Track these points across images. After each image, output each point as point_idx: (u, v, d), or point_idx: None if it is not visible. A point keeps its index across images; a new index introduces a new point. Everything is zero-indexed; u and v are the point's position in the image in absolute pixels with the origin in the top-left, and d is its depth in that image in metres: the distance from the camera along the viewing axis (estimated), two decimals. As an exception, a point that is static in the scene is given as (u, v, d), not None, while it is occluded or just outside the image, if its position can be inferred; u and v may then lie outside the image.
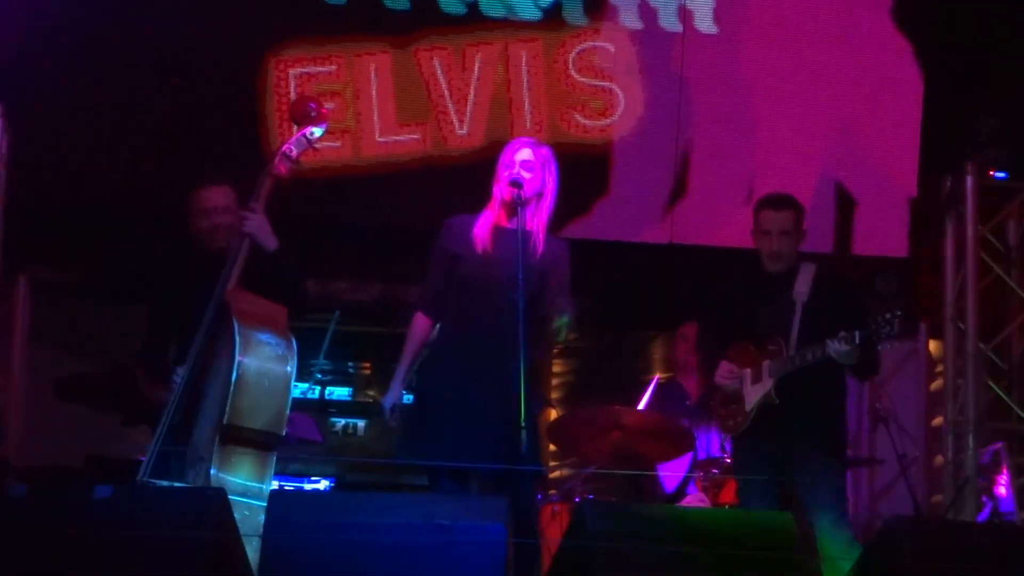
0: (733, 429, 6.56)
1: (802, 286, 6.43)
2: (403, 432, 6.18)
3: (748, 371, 6.46)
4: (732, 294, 6.73)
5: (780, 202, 6.54)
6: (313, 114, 6.37)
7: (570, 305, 6.02)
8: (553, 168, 6.13)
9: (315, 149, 6.41)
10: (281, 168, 6.29)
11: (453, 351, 6.06)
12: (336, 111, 8.22)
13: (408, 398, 6.38)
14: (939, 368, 8.64)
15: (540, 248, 6.05)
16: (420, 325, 6.21)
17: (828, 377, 6.39)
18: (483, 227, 6.12)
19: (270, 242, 6.20)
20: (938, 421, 8.54)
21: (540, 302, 6.01)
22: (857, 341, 6.11)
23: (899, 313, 6.11)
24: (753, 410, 6.42)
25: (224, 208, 6.42)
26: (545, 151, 6.17)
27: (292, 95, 8.38)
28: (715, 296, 6.89)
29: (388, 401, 6.13)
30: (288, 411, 6.04)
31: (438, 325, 6.22)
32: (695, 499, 7.44)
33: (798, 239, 6.51)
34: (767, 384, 6.37)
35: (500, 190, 6.09)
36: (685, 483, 7.64)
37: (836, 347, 6.13)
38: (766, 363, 6.40)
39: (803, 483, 6.35)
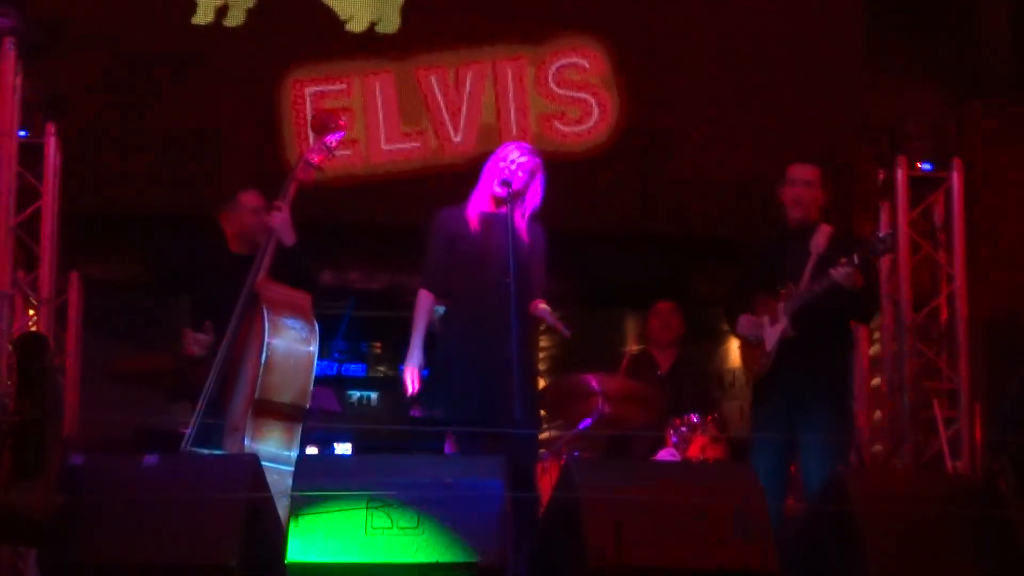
0: (759, 373, 6.51)
1: (820, 240, 6.47)
2: (423, 399, 6.13)
3: (766, 318, 6.50)
4: (763, 249, 6.74)
5: (804, 160, 6.65)
6: (332, 125, 6.54)
7: (541, 286, 6.09)
8: (540, 176, 6.12)
9: (333, 155, 6.55)
10: (305, 173, 6.45)
11: (459, 328, 6.03)
12: (347, 124, 8.22)
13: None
14: (876, 336, 8.66)
15: (526, 239, 6.07)
16: (424, 299, 6.15)
17: (835, 319, 6.43)
18: (474, 212, 6.12)
19: (289, 238, 6.26)
20: (876, 382, 8.56)
21: (530, 286, 6.01)
22: (856, 261, 6.15)
23: (890, 232, 6.34)
24: (774, 349, 6.41)
25: (263, 207, 6.52)
26: (537, 159, 6.15)
27: (308, 111, 8.41)
28: (748, 255, 6.88)
29: (408, 366, 5.98)
30: (312, 386, 6.09)
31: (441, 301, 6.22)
32: (667, 454, 7.46)
33: (818, 194, 6.53)
34: (784, 322, 6.40)
35: (492, 183, 6.10)
36: (658, 440, 7.66)
37: (838, 271, 6.16)
38: (780, 304, 6.45)
39: (805, 435, 6.26)
